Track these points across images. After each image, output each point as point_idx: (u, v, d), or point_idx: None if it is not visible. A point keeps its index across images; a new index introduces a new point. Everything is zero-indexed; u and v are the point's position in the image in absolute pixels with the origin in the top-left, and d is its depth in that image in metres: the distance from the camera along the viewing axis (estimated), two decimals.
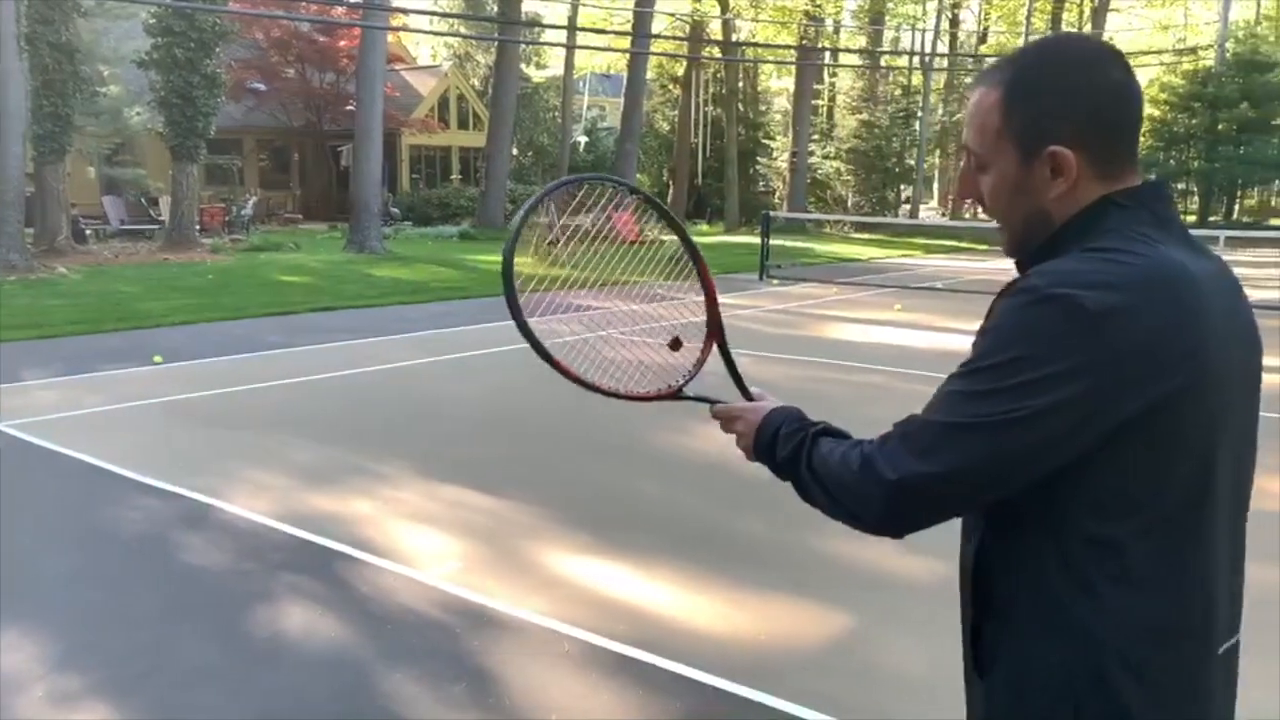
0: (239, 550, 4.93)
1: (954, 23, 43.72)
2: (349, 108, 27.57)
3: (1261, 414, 1.37)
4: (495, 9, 34.34)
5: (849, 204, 39.13)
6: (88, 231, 21.96)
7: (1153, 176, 1.41)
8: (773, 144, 40.35)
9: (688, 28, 36.28)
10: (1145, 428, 1.19)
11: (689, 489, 5.96)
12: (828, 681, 3.68)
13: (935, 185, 50.91)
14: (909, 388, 8.64)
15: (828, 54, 41.16)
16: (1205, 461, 1.25)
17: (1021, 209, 1.34)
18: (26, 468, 6.29)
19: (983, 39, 44.12)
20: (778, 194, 38.97)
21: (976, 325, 1.29)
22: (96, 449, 6.56)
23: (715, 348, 1.86)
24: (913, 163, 38.25)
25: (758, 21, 37.10)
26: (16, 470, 6.21)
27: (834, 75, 43.22)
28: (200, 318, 12.60)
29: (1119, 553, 1.22)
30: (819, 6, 34.68)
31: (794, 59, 36.99)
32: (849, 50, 42.86)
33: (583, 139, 41.82)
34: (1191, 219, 33.24)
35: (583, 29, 35.24)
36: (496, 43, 30.57)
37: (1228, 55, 34.62)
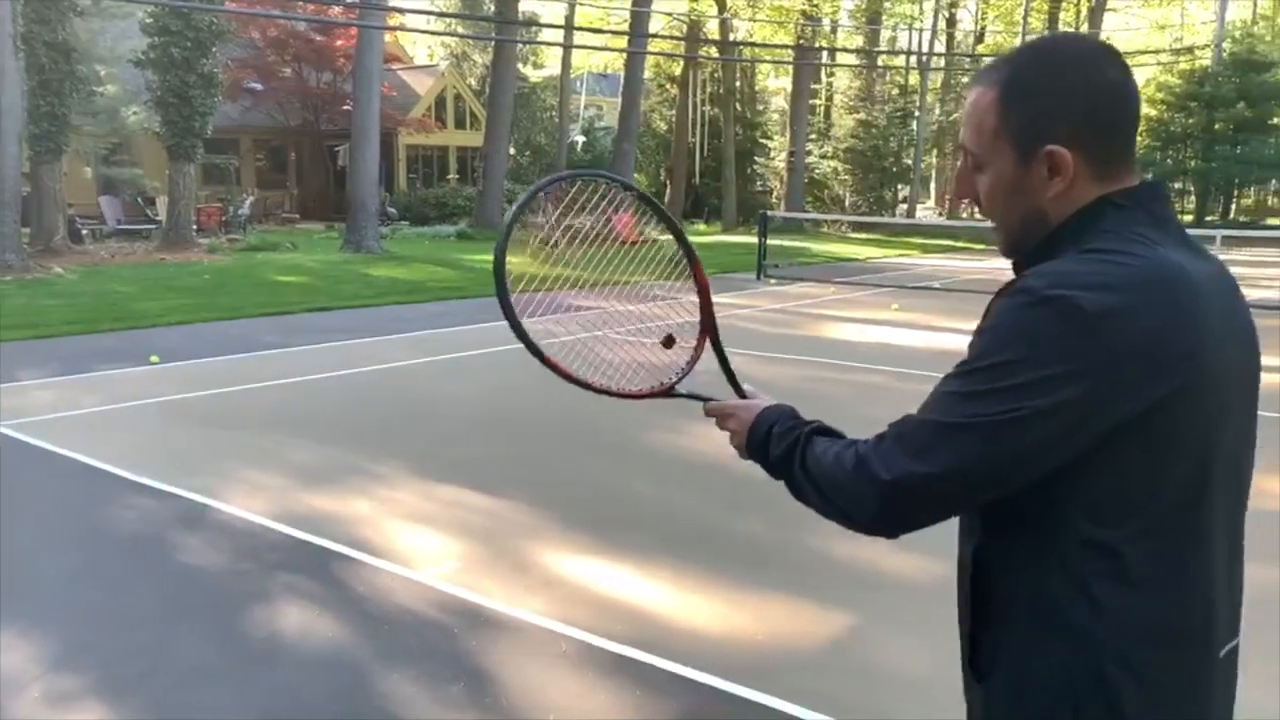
0: (236, 550, 4.92)
1: (951, 22, 43.74)
2: (346, 107, 27.52)
3: (1261, 413, 1.37)
4: (492, 8, 34.30)
5: (846, 203, 39.17)
6: (84, 231, 21.93)
7: (1150, 176, 1.40)
8: (770, 144, 40.37)
9: (685, 27, 36.28)
10: (1143, 429, 1.19)
11: (687, 489, 5.96)
12: (825, 681, 3.68)
13: (932, 185, 50.92)
14: (906, 387, 8.64)
15: (825, 53, 41.18)
16: (1203, 462, 1.24)
17: (1018, 209, 1.33)
18: (23, 468, 6.28)
19: (980, 39, 44.14)
20: (775, 194, 38.97)
21: (973, 325, 1.29)
22: (93, 449, 6.55)
23: (709, 345, 1.85)
24: (910, 162, 38.24)
25: (755, 21, 37.10)
26: (13, 470, 6.20)
27: (831, 75, 43.25)
28: (197, 318, 12.59)
29: (1117, 554, 1.22)
30: (816, 6, 34.69)
31: (791, 59, 37.03)
32: (846, 50, 42.85)
33: (580, 139, 41.84)
34: (1188, 218, 33.25)
35: (580, 28, 35.22)
36: (493, 42, 30.54)
37: (1224, 55, 34.67)
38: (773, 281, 18.00)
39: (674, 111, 37.37)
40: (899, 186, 39.87)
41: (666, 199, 34.00)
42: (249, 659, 3.83)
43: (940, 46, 42.96)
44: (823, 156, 38.46)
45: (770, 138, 40.83)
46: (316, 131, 32.20)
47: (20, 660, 3.77)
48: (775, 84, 48.13)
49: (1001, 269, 1.38)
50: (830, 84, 43.25)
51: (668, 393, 1.82)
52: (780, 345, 11.13)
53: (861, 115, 38.07)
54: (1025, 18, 38.28)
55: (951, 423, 1.22)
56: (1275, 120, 33.92)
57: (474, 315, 12.66)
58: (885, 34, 44.31)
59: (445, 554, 4.90)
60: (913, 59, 40.51)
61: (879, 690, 3.64)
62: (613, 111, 39.13)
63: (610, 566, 4.74)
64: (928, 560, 4.47)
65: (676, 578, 4.59)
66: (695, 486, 5.97)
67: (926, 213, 44.32)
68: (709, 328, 1.84)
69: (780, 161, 37.75)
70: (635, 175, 33.56)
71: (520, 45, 34.28)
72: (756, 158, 39.58)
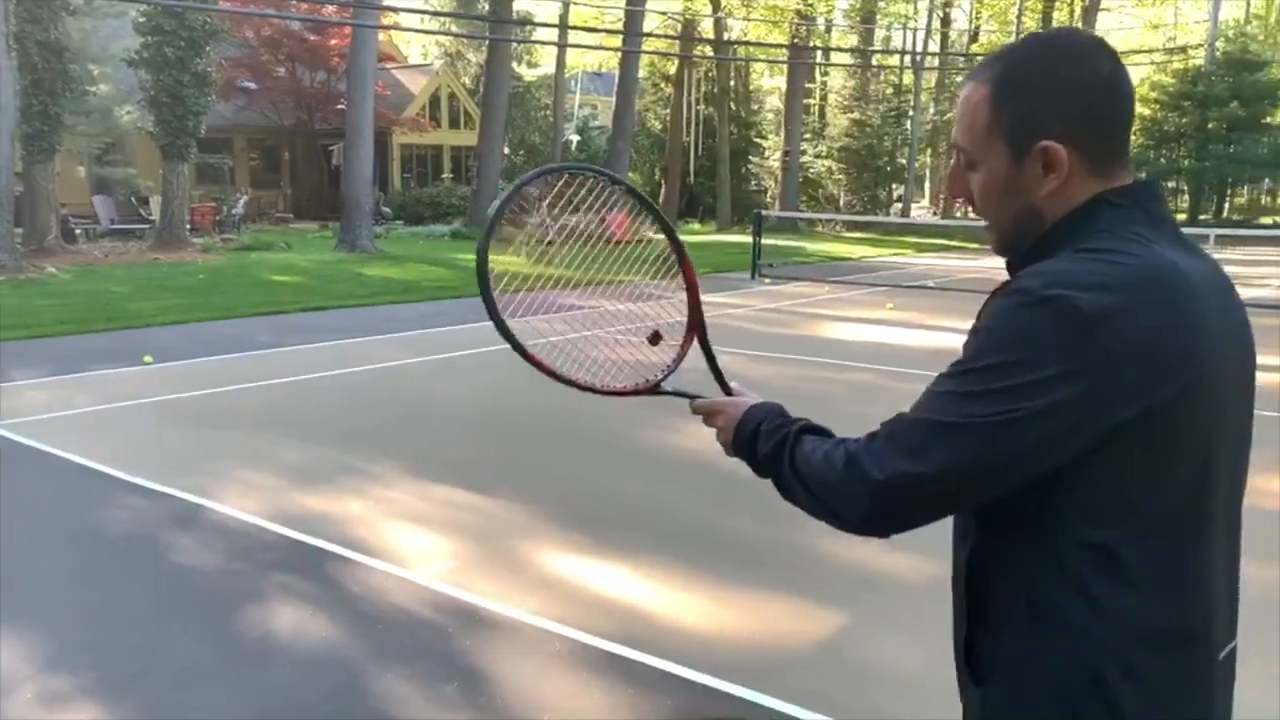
0: (230, 550, 4.91)
1: (945, 22, 43.80)
2: (340, 106, 27.49)
3: (1260, 413, 1.37)
4: (486, 7, 34.29)
5: (841, 203, 39.17)
6: (77, 231, 21.88)
7: (1144, 175, 1.40)
8: (765, 143, 40.37)
9: (679, 26, 36.28)
10: (1141, 430, 1.18)
11: (679, 488, 5.96)
12: (818, 679, 3.68)
13: (927, 184, 50.98)
14: (901, 386, 8.64)
15: (819, 53, 41.20)
16: (1201, 463, 1.24)
17: (1012, 207, 1.32)
18: (16, 468, 6.26)
19: (974, 38, 44.18)
20: (770, 193, 38.96)
21: (968, 324, 1.28)
22: (87, 449, 6.54)
23: (696, 343, 1.84)
24: (904, 161, 38.30)
25: (749, 20, 37.12)
26: (6, 471, 6.17)
27: (826, 74, 43.25)
28: (190, 317, 12.56)
29: (1117, 554, 1.21)
30: (810, 5, 34.73)
31: (786, 58, 37.00)
32: (841, 49, 42.91)
33: (574, 137, 41.81)
34: (1182, 217, 33.29)
35: (574, 27, 35.19)
36: (488, 41, 30.50)
37: (1218, 54, 34.79)
38: (767, 281, 18.01)
39: (669, 111, 37.37)
40: (893, 186, 39.94)
41: (661, 198, 33.99)
42: (243, 659, 3.82)
43: (934, 46, 43.03)
44: (817, 156, 38.48)
45: (765, 137, 40.85)
46: (310, 131, 32.16)
47: (13, 660, 3.75)
48: (770, 83, 48.17)
49: (996, 268, 1.38)
50: (825, 83, 43.24)
51: (653, 390, 1.80)
52: (775, 345, 11.13)
53: (856, 114, 38.09)
54: (1019, 17, 38.30)
55: (947, 422, 1.21)
56: (1268, 119, 34.08)
57: (468, 315, 12.64)
58: (880, 33, 44.37)
59: (439, 553, 4.89)
60: (907, 58, 40.59)
61: (874, 688, 3.64)
62: (607, 110, 39.07)
63: (603, 565, 4.73)
64: (921, 558, 4.47)
65: (669, 576, 4.59)
66: (687, 485, 5.97)
67: (921, 212, 44.38)
68: (697, 325, 1.83)
69: (775, 161, 37.73)
70: (630, 174, 33.62)
71: (514, 44, 34.25)
72: (751, 157, 39.60)
